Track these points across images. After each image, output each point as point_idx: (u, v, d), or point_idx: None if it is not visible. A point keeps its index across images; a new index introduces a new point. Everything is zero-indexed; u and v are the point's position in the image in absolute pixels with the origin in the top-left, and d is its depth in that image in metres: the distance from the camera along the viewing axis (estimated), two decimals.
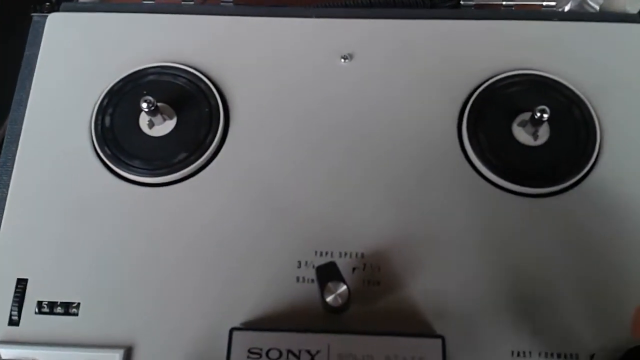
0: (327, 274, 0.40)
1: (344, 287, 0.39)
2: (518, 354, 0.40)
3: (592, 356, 0.40)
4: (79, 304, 0.42)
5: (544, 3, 0.52)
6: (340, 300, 0.39)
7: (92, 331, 0.41)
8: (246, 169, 0.46)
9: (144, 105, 0.44)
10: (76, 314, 0.42)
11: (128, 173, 0.45)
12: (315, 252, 0.44)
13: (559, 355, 0.40)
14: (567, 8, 0.65)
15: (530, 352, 0.40)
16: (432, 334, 0.38)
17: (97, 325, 0.42)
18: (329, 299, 0.39)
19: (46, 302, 0.42)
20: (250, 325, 0.41)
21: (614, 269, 0.42)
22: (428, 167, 0.46)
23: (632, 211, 0.44)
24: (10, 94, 0.49)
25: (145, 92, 0.47)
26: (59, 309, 0.42)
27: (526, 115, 0.46)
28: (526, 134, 0.46)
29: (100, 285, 0.43)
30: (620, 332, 0.40)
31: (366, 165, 0.46)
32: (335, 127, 0.47)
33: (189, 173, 0.46)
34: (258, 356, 0.38)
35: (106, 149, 0.46)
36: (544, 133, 0.46)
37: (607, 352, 0.40)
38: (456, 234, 0.43)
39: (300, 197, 0.45)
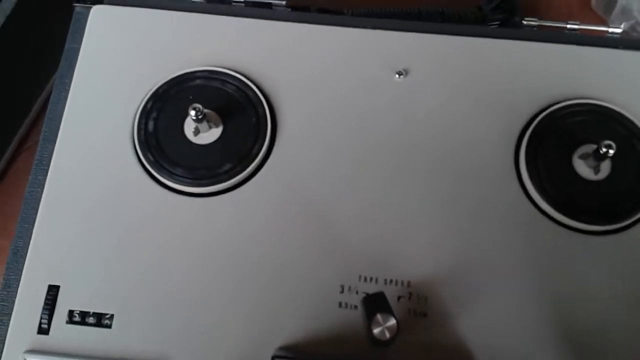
0: (376, 304, 0.38)
1: (394, 320, 0.37)
2: None
3: None
4: (112, 315, 0.40)
5: (610, 30, 0.50)
6: (388, 335, 0.37)
7: (126, 345, 0.40)
8: (291, 183, 0.44)
9: (192, 112, 0.42)
10: (109, 326, 0.40)
11: (170, 181, 0.43)
12: (360, 277, 0.42)
13: None
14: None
15: None
16: None
17: (131, 339, 0.40)
18: (376, 331, 0.37)
19: (78, 312, 0.41)
20: (289, 350, 0.40)
21: None
22: (482, 195, 0.44)
23: None
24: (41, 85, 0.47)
25: (191, 97, 0.45)
26: (91, 320, 0.40)
27: (588, 148, 0.44)
28: (587, 167, 0.44)
29: (136, 297, 0.41)
30: None
31: (417, 189, 0.44)
32: (387, 146, 0.45)
33: (233, 185, 0.44)
34: None
35: (149, 154, 0.44)
36: (605, 167, 0.44)
37: None
38: (508, 268, 0.42)
39: (347, 217, 0.43)
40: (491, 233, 0.43)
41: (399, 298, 0.41)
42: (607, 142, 0.42)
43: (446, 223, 0.43)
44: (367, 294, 0.38)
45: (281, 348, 0.40)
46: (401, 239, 0.43)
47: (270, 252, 0.42)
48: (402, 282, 0.42)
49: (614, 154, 0.42)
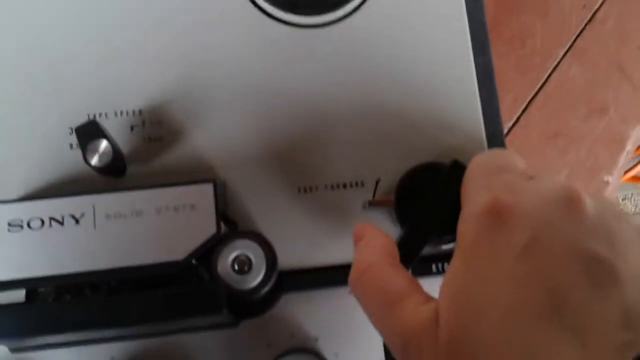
0: (88, 134, 0.37)
1: (105, 142, 0.36)
2: (305, 190, 0.40)
3: (377, 181, 0.40)
4: None
5: None
6: (105, 159, 0.36)
7: None
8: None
9: None
10: None
11: None
12: (88, 116, 0.40)
13: (344, 186, 0.40)
14: None
15: (316, 187, 0.40)
16: (203, 179, 0.37)
17: None
18: (93, 160, 0.36)
19: None
20: (22, 199, 0.38)
21: (390, 96, 0.41)
22: (202, 3, 0.42)
23: (409, 40, 0.42)
24: None
25: None
26: None
27: None
28: None
29: None
30: (401, 156, 0.40)
31: (135, 10, 0.42)
32: None
33: None
34: (19, 227, 0.35)
35: None
36: None
37: (392, 174, 0.40)
38: (235, 75, 0.41)
39: (67, 52, 0.41)
40: (213, 40, 0.41)
41: (132, 128, 0.40)
42: None
43: (167, 40, 0.41)
44: (77, 126, 0.37)
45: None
46: (125, 66, 0.41)
47: None
48: (134, 112, 0.40)
49: None
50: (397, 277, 0.29)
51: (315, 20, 0.42)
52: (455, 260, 0.27)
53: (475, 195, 0.29)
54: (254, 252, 0.36)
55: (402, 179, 0.39)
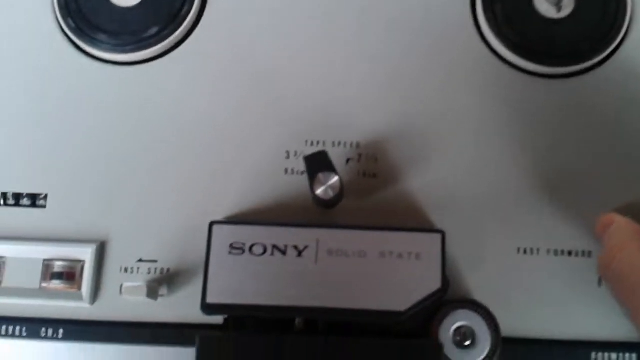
0: (317, 164, 0.36)
1: (336, 177, 0.35)
2: (525, 251, 0.37)
3: None
4: (46, 195, 0.38)
5: None
6: (331, 193, 0.35)
7: (62, 225, 0.38)
8: (229, 46, 0.40)
9: None
10: (44, 206, 0.38)
11: (93, 49, 0.40)
12: (306, 142, 0.39)
13: (569, 253, 0.37)
14: None
15: (538, 250, 0.37)
16: (431, 229, 0.35)
17: (67, 219, 0.38)
18: (319, 191, 0.35)
19: (11, 194, 0.39)
20: (233, 220, 0.38)
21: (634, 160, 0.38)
22: (435, 44, 0.40)
23: None
24: None
25: None
26: (25, 201, 0.38)
27: None
28: (548, 4, 0.40)
29: (70, 174, 0.39)
30: None
31: (365, 41, 0.40)
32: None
33: (162, 51, 0.40)
34: (241, 251, 0.34)
35: (70, 20, 0.40)
36: (568, 3, 0.40)
37: None
38: (463, 121, 0.39)
39: (291, 78, 0.40)
40: (445, 85, 0.39)
41: (347, 160, 0.39)
42: None
43: (396, 76, 0.40)
44: (308, 155, 0.36)
45: (226, 219, 0.38)
46: (349, 97, 0.40)
47: (208, 122, 0.39)
48: (351, 144, 0.39)
49: None
50: None
51: (556, 70, 0.39)
52: None
53: None
54: (479, 329, 0.34)
55: None
